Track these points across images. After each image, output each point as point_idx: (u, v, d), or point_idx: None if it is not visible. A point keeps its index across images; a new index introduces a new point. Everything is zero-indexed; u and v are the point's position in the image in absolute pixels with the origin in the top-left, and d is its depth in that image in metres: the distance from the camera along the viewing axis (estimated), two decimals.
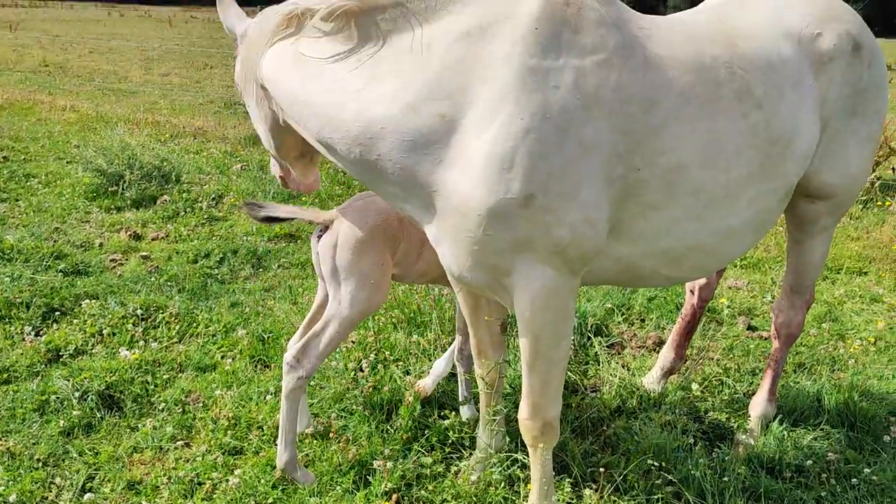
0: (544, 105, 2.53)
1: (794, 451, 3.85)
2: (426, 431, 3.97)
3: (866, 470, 3.68)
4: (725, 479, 3.57)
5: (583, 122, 2.58)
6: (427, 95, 2.59)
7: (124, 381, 4.40)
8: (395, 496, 3.45)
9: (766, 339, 5.37)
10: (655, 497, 3.44)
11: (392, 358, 4.70)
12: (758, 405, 4.10)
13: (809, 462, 3.74)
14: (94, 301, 5.53)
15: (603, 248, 2.81)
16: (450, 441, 3.87)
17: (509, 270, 2.72)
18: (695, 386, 4.43)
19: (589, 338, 5.02)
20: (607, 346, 5.14)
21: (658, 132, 2.72)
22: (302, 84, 2.75)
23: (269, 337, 5.04)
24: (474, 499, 3.43)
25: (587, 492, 3.42)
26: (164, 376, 4.53)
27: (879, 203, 8.45)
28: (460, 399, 4.18)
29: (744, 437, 3.99)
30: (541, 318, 2.79)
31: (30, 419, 4.05)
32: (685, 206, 2.88)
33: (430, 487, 3.53)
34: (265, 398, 4.27)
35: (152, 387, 4.41)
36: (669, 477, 3.54)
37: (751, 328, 5.63)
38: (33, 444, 3.86)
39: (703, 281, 4.42)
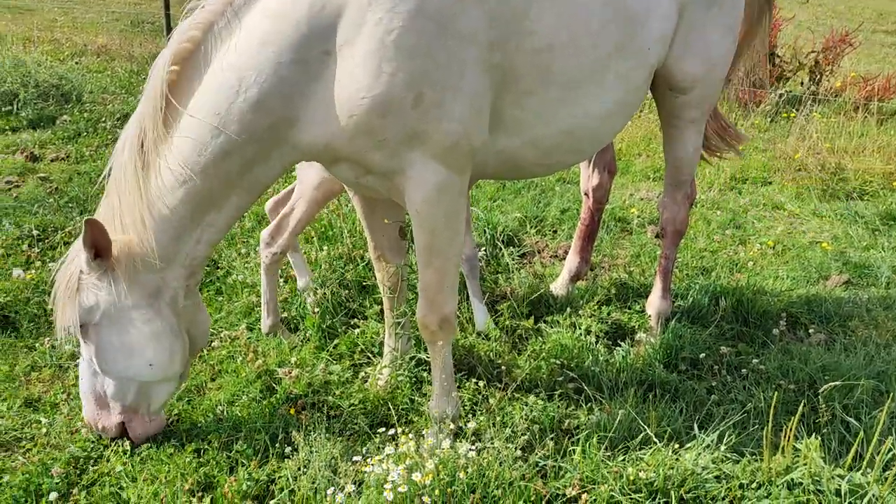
0: (419, 3, 2.60)
1: (690, 347, 4.01)
2: (335, 341, 3.98)
3: (754, 360, 3.87)
4: (623, 374, 3.71)
5: (457, 14, 2.66)
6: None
7: (19, 301, 4.23)
8: (300, 402, 3.46)
9: None
10: (557, 392, 3.55)
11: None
12: (654, 303, 4.25)
13: (703, 355, 3.92)
14: None
15: (485, 142, 2.90)
16: (359, 349, 3.90)
17: (402, 169, 2.77)
18: (600, 290, 4.56)
19: (500, 248, 5.07)
20: (518, 257, 5.21)
21: (525, 13, 2.85)
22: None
23: None
24: (381, 402, 3.48)
25: (491, 390, 3.51)
26: None
27: (785, 115, 8.70)
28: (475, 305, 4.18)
29: (644, 335, 4.13)
30: (434, 215, 2.86)
31: None
32: (557, 89, 3.01)
33: (338, 393, 3.56)
34: None
35: (50, 307, 4.25)
36: (571, 374, 3.65)
37: (658, 236, 5.79)
38: None
39: (595, 182, 4.53)
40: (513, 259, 5.00)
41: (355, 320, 4.18)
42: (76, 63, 10.48)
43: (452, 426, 3.09)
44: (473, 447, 2.82)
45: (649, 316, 4.27)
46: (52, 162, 6.94)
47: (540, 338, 3.99)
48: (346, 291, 4.31)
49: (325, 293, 4.20)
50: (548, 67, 2.94)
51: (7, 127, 7.71)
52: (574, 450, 2.98)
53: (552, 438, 3.10)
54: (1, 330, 4.05)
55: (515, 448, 2.87)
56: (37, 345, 3.96)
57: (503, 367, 3.70)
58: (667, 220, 4.18)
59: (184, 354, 3.01)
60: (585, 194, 4.61)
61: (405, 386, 3.56)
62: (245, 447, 3.10)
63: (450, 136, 2.75)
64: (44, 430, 3.28)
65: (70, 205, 5.83)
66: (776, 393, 3.28)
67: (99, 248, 2.75)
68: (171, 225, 2.77)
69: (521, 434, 2.96)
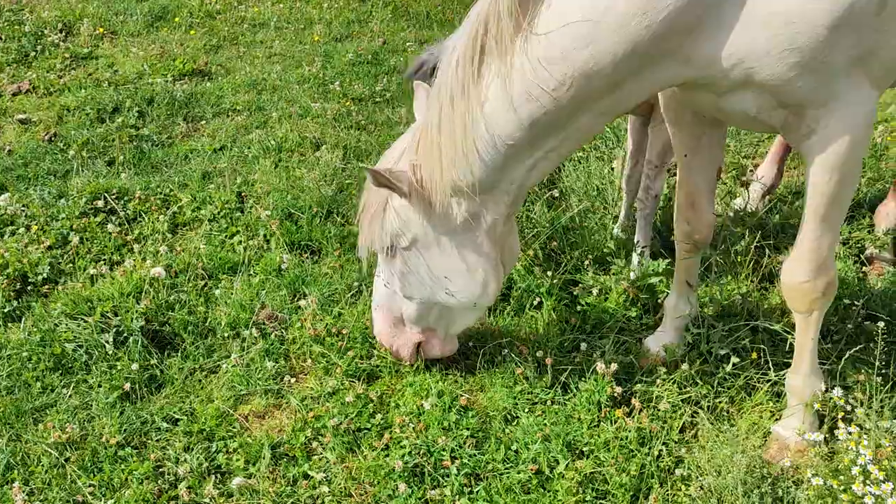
0: None
1: None
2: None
3: None
4: None
5: None
6: None
7: (170, 309, 3.25)
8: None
9: None
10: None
11: None
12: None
13: None
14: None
15: None
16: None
17: (828, 100, 2.18)
18: None
19: None
20: None
21: None
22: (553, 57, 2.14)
23: (296, 211, 3.97)
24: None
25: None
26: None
27: None
28: (636, 245, 3.54)
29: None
30: (855, 157, 2.29)
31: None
32: None
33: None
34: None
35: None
36: None
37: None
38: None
39: None
40: None
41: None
42: None
43: (817, 406, 2.62)
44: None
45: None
46: (16, 97, 5.45)
47: None
48: None
49: None
50: None
51: None
52: None
53: None
54: (160, 350, 3.07)
55: None
56: (208, 364, 3.04)
57: None
58: None
59: (497, 284, 2.73)
60: None
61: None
62: None
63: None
64: None
65: (90, 153, 4.58)
66: None
67: (397, 191, 2.51)
68: (500, 153, 2.36)
69: None
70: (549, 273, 3.36)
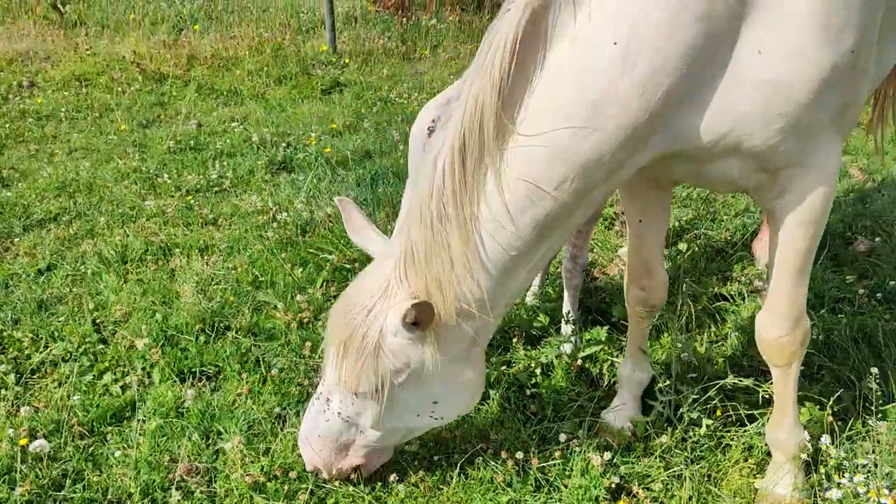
0: None
1: None
2: None
3: None
4: None
5: None
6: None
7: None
8: None
9: None
10: None
11: None
12: None
13: None
14: None
15: None
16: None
17: (802, 158, 2.18)
18: None
19: None
20: None
21: None
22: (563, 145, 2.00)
23: (175, 332, 3.40)
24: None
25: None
26: None
27: None
28: (566, 315, 3.42)
29: None
30: (826, 208, 2.31)
31: None
32: None
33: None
34: None
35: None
36: None
37: None
38: None
39: None
40: None
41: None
42: None
43: (804, 457, 2.64)
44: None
45: None
46: None
47: None
48: None
49: None
50: None
51: None
52: None
53: None
54: None
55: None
56: None
57: None
58: None
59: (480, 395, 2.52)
60: None
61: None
62: None
63: (863, 99, 2.26)
64: None
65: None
66: None
67: (422, 323, 2.17)
68: (504, 262, 2.15)
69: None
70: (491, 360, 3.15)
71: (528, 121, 1.97)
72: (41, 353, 3.33)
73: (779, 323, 2.45)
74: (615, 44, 1.90)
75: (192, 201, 4.86)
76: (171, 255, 4.23)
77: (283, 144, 5.89)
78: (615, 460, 2.69)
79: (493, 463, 2.66)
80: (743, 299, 3.76)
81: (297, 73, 7.82)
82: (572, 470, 2.62)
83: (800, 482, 2.57)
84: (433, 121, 2.91)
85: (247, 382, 3.12)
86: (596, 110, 1.94)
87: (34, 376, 3.24)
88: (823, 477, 2.58)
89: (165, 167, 5.50)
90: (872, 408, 2.72)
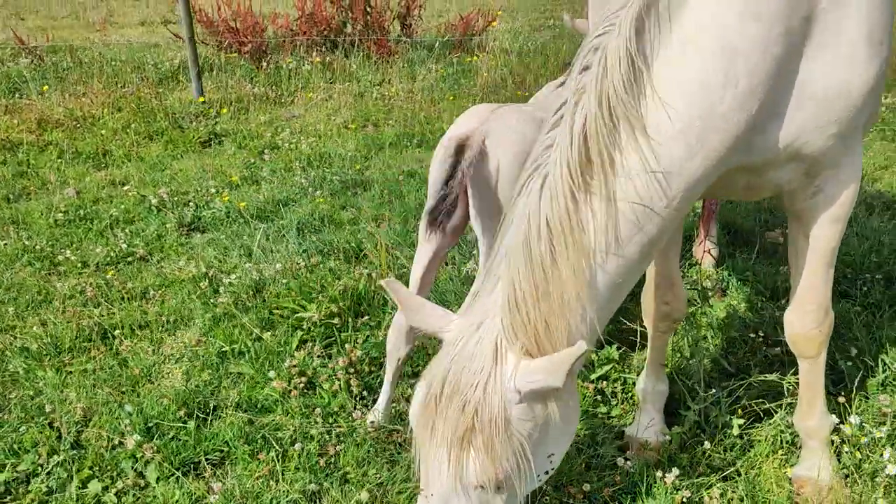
0: None
1: None
2: None
3: None
4: None
5: None
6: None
7: None
8: None
9: None
10: None
11: None
12: None
13: None
14: None
15: None
16: None
17: (839, 158, 2.33)
18: None
19: None
20: None
21: None
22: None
23: (161, 422, 3.04)
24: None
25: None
26: None
27: None
28: None
29: None
30: (854, 198, 2.47)
31: None
32: None
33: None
34: None
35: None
36: None
37: None
38: None
39: None
40: None
41: None
42: None
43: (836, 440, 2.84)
44: None
45: None
46: None
47: None
48: None
49: None
50: None
51: None
52: None
53: None
54: None
55: None
56: None
57: None
58: None
59: None
60: None
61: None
62: None
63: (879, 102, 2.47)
64: None
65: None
66: None
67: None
68: (612, 292, 2.11)
69: None
70: None
71: (634, 138, 1.97)
72: (3, 472, 2.86)
73: (811, 316, 2.60)
74: (715, 58, 1.94)
75: (109, 276, 4.40)
76: (109, 337, 3.80)
77: (184, 203, 5.50)
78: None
79: (564, 500, 2.62)
80: (706, 301, 3.97)
81: (168, 128, 7.35)
82: (641, 492, 2.63)
83: (836, 465, 2.74)
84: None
85: (265, 463, 2.86)
86: (705, 126, 1.97)
87: (7, 498, 2.78)
88: (858, 455, 2.77)
89: (59, 242, 4.95)
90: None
